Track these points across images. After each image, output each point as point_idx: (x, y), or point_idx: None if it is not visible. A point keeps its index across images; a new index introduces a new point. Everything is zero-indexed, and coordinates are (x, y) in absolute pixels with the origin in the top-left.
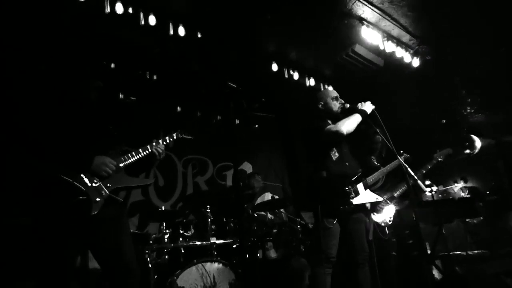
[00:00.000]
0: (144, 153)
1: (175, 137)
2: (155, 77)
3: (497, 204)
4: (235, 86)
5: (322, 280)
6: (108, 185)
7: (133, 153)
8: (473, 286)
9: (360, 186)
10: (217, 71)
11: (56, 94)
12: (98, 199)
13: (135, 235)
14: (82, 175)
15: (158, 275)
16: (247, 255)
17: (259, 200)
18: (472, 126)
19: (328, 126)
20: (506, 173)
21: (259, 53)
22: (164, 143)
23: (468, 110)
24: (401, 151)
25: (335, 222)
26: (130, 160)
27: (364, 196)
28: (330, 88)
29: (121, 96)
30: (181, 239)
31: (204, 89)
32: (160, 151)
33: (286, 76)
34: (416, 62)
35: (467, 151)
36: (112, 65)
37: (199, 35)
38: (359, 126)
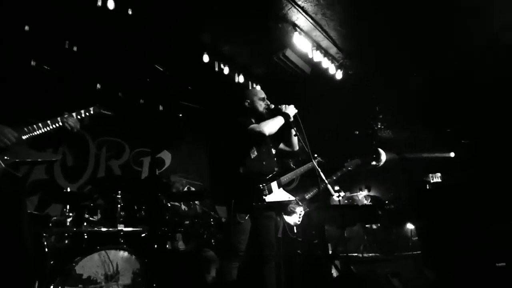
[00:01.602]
0: (53, 126)
1: (92, 112)
2: (75, 48)
3: (394, 213)
4: (162, 69)
5: (229, 273)
6: (6, 157)
7: (40, 125)
8: (363, 283)
9: (274, 185)
10: (146, 52)
11: None
12: None
13: (33, 216)
14: None
15: (55, 260)
16: (156, 245)
17: None
18: (380, 140)
19: (252, 125)
20: (405, 186)
21: (193, 41)
22: (79, 117)
23: (379, 126)
24: (315, 155)
25: (246, 217)
26: (35, 133)
27: (277, 194)
28: (258, 87)
29: (33, 63)
30: (85, 223)
31: (129, 69)
32: (72, 125)
33: (217, 69)
34: (339, 75)
35: (374, 162)
36: (26, 28)
37: (130, 12)
38: (281, 128)
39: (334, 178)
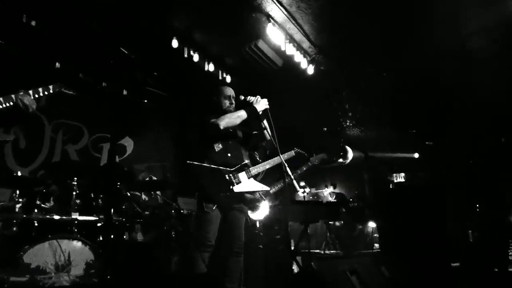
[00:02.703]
0: (6, 104)
1: (51, 91)
2: (33, 23)
3: (357, 211)
4: (127, 52)
5: (198, 263)
6: None
7: None
8: (323, 280)
9: (242, 175)
10: (111, 33)
11: None
12: None
13: None
14: None
15: (2, 248)
16: (112, 236)
17: None
18: (348, 138)
19: (212, 120)
20: (369, 184)
21: (163, 25)
22: (36, 95)
23: (348, 123)
24: (296, 148)
25: (214, 208)
26: None
27: (247, 184)
28: (228, 88)
29: None
30: (36, 210)
31: (92, 50)
32: (27, 103)
33: (186, 55)
34: (311, 70)
35: (340, 160)
36: None
37: None
38: (249, 120)
39: (299, 172)
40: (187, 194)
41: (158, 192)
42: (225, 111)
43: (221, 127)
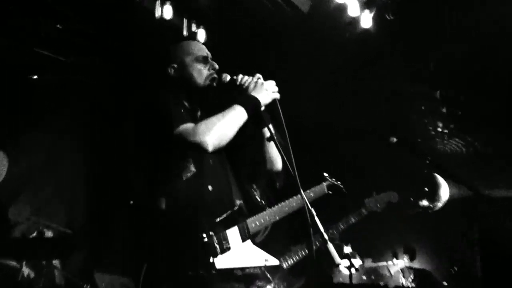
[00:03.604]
0: None
1: None
2: None
3: None
4: None
5: None
6: None
7: None
8: None
9: (233, 234)
10: None
11: None
12: None
13: None
14: None
15: None
16: None
17: None
18: (439, 158)
19: (183, 126)
20: (482, 251)
21: None
22: None
23: (440, 129)
24: (326, 175)
25: None
26: None
27: (241, 253)
28: (199, 38)
29: None
30: None
31: None
32: None
33: None
34: (366, 20)
35: (425, 202)
36: None
37: None
38: (244, 127)
39: (342, 228)
40: (115, 268)
41: (55, 262)
42: (204, 89)
43: (210, 146)
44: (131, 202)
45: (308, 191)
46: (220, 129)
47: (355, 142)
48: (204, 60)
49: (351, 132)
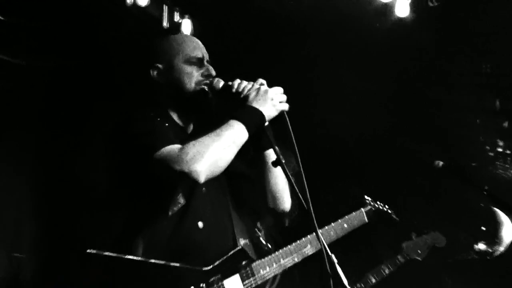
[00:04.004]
0: None
1: None
2: None
3: None
4: None
5: None
6: None
7: None
8: None
9: (233, 284)
10: None
11: None
12: None
13: None
14: None
15: None
16: None
17: None
18: (501, 188)
19: (167, 149)
20: None
21: None
22: None
23: (500, 150)
24: (368, 199)
25: None
26: None
27: None
28: (183, 31)
29: None
30: None
31: None
32: None
33: None
34: (402, 7)
35: (482, 246)
36: None
37: None
38: (245, 148)
39: (373, 281)
40: None
41: None
42: (193, 96)
43: (201, 176)
44: (89, 250)
45: (340, 220)
46: (214, 154)
47: (390, 164)
48: (198, 62)
49: (383, 150)
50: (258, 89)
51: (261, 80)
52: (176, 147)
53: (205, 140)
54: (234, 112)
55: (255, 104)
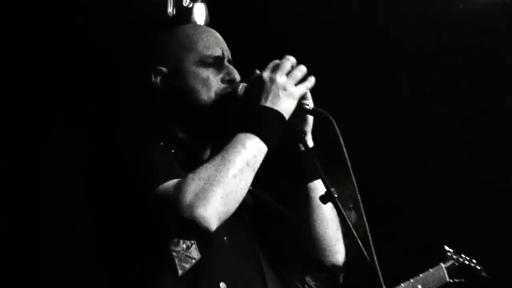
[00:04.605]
0: None
1: None
2: None
3: None
4: None
5: None
6: None
7: None
8: None
9: None
10: None
11: None
12: None
13: None
14: None
15: None
16: None
17: None
18: None
19: (165, 185)
20: None
21: None
22: None
23: None
24: (450, 250)
25: None
26: None
27: None
28: (198, 19)
29: None
30: None
31: None
32: None
33: None
34: None
35: None
36: None
37: None
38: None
39: None
40: None
41: None
42: (211, 107)
43: (213, 224)
44: None
45: (412, 280)
46: (223, 187)
47: (475, 204)
48: (216, 63)
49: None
50: (288, 86)
51: (302, 69)
52: (173, 184)
53: (208, 169)
54: (240, 122)
55: (276, 106)
